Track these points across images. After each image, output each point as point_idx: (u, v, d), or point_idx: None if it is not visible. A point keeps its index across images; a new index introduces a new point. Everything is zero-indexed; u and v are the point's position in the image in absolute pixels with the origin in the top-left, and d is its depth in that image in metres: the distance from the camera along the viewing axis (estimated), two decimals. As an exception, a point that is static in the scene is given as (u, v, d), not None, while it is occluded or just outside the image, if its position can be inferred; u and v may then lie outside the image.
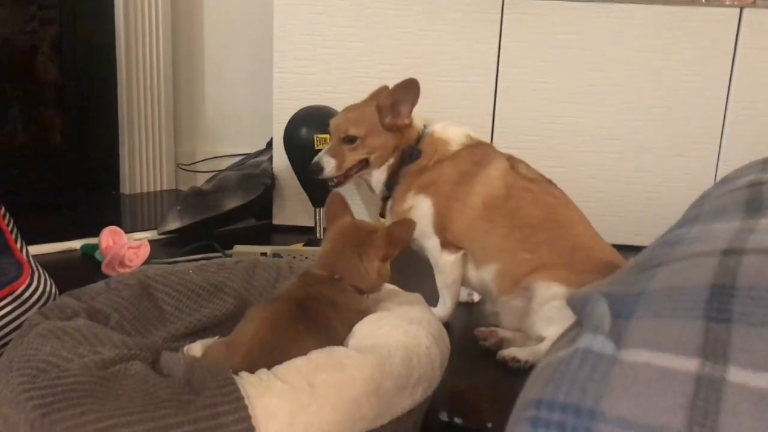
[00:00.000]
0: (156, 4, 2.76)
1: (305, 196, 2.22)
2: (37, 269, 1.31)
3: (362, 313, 1.12)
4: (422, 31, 2.24)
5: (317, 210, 2.20)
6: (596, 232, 1.52)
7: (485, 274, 1.52)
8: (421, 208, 1.54)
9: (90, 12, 2.64)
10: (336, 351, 0.98)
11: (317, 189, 2.21)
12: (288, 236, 2.28)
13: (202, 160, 2.98)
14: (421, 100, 1.55)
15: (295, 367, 0.92)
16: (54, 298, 1.30)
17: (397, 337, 1.04)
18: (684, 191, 2.25)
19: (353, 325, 1.09)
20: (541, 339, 1.43)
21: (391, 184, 1.59)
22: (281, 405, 0.86)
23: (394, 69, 2.23)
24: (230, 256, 1.91)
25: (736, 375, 0.42)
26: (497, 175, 1.51)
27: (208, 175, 2.46)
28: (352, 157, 1.58)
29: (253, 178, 2.29)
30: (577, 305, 0.55)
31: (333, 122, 1.61)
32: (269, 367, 0.94)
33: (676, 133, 2.26)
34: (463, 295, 1.75)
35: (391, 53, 2.26)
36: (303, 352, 0.97)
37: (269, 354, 0.98)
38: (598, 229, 1.54)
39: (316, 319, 1.06)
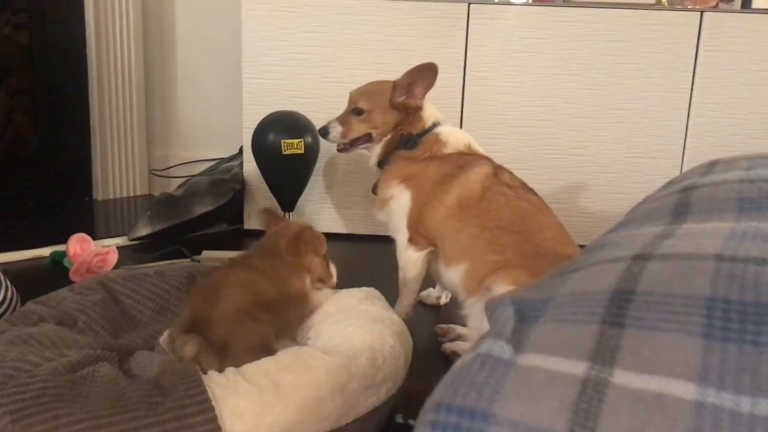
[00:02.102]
0: (127, 9, 2.76)
1: (276, 201, 2.24)
2: None
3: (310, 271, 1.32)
4: (389, 36, 2.27)
5: (287, 215, 2.23)
6: (568, 239, 1.51)
7: (454, 274, 1.53)
8: (399, 200, 1.57)
9: (60, 17, 2.63)
10: (303, 352, 1.00)
11: (285, 194, 2.24)
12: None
13: (175, 165, 2.97)
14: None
15: (262, 368, 0.94)
16: (16, 307, 1.30)
17: (362, 337, 1.06)
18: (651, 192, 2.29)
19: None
20: None
21: (381, 163, 1.63)
22: (248, 406, 0.88)
23: (361, 74, 2.25)
24: (199, 261, 1.92)
25: (619, 377, 0.43)
26: (476, 179, 1.54)
27: (181, 180, 2.47)
28: (358, 128, 1.64)
29: (222, 184, 2.30)
30: (488, 310, 0.57)
31: (351, 92, 1.69)
32: (211, 305, 1.12)
33: (642, 135, 2.31)
34: (432, 298, 1.79)
35: (358, 58, 2.29)
36: (232, 281, 1.17)
37: (208, 290, 1.17)
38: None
39: (248, 264, 1.25)
